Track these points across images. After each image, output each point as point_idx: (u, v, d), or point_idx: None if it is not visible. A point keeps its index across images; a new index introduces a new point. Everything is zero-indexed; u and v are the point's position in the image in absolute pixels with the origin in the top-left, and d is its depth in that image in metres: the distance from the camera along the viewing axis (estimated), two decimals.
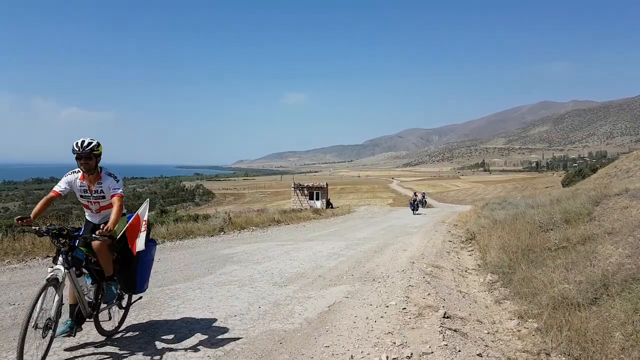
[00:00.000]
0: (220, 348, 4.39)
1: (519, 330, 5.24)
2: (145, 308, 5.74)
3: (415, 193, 33.55)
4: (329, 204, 50.48)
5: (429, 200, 79.02)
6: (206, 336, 4.72)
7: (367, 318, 5.40)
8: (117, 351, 4.29)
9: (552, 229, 9.55)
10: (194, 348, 4.37)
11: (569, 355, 4.35)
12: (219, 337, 4.71)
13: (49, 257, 9.33)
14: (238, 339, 4.66)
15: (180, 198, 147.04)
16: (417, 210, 31.18)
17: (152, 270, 5.23)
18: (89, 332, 4.63)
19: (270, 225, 19.54)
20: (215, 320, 5.30)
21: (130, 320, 5.19)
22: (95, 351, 4.30)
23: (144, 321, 5.21)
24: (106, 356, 4.19)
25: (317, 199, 52.89)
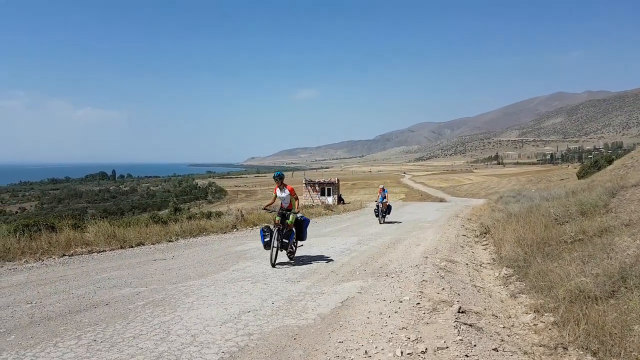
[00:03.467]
0: (235, 344, 4.41)
1: (535, 325, 5.18)
2: (160, 305, 5.79)
3: (382, 189, 20.28)
4: (340, 200, 50.43)
5: (442, 194, 78.31)
6: (220, 332, 4.74)
7: (380, 313, 5.38)
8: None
9: (567, 222, 9.42)
10: (209, 344, 4.40)
11: (586, 349, 4.28)
12: (233, 332, 4.73)
13: (65, 255, 9.47)
14: (252, 334, 4.68)
15: (193, 196, 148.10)
16: (384, 218, 19.21)
17: (167, 268, 8.15)
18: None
19: None
20: (229, 316, 5.32)
21: (145, 317, 5.25)
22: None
23: (159, 317, 5.25)
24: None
25: (329, 194, 52.86)
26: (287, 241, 8.75)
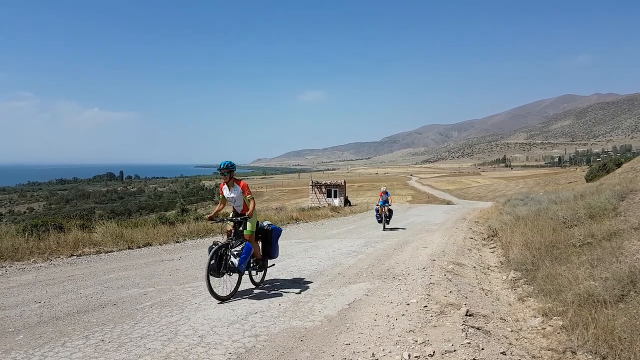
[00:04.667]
0: (242, 345, 4.41)
1: (543, 328, 5.14)
2: (168, 305, 5.81)
3: (384, 192, 18.30)
4: (347, 202, 50.42)
5: (449, 196, 77.95)
6: (227, 333, 4.75)
7: (387, 316, 5.37)
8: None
9: (576, 225, 9.36)
10: (216, 345, 4.41)
11: (595, 353, 4.25)
12: (240, 333, 4.74)
13: (73, 255, 9.53)
14: (259, 336, 4.69)
15: (200, 197, 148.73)
16: (387, 223, 17.64)
17: (174, 268, 7.75)
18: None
19: (288, 223, 19.61)
20: (236, 317, 5.33)
21: (152, 317, 5.27)
22: None
23: (167, 318, 5.27)
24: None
25: (335, 196, 52.90)
26: (235, 262, 6.10)
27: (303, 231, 16.72)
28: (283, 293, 6.55)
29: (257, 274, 7.03)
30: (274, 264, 7.79)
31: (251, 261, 6.55)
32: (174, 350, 4.25)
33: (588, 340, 4.44)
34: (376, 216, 18.45)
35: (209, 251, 6.11)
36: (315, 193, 54.35)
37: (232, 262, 6.13)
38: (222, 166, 6.54)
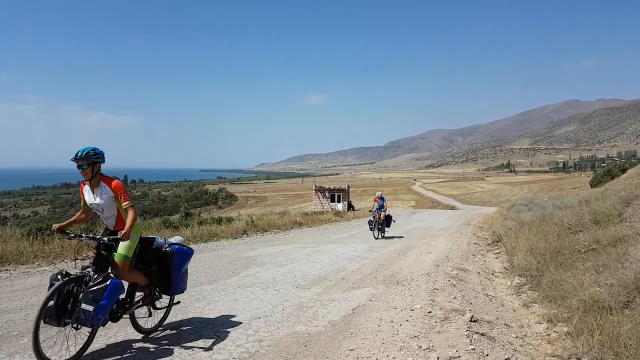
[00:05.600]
0: (245, 350, 4.41)
1: (548, 335, 5.11)
2: (172, 309, 5.81)
3: (379, 197, 16.91)
4: (350, 206, 50.37)
5: (453, 202, 77.71)
6: (231, 338, 4.75)
7: (391, 321, 5.35)
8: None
9: (581, 231, 9.32)
10: (219, 349, 4.40)
11: None
12: (244, 338, 4.73)
13: (77, 259, 9.55)
14: (263, 340, 4.68)
15: (203, 201, 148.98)
16: (382, 232, 16.16)
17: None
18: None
19: (292, 227, 19.61)
20: (239, 322, 5.33)
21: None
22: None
23: (170, 322, 5.27)
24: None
25: (339, 201, 52.86)
26: (88, 310, 3.89)
27: (306, 236, 16.71)
28: (288, 294, 6.54)
29: (149, 314, 4.85)
30: (179, 301, 5.52)
31: (127, 300, 4.55)
32: (177, 355, 4.25)
33: (593, 347, 4.41)
34: (369, 222, 16.30)
35: (49, 286, 3.94)
36: (319, 198, 54.35)
37: (83, 309, 3.92)
38: (78, 154, 4.26)
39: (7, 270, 8.31)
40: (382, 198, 16.77)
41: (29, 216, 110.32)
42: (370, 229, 16.09)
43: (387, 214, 16.38)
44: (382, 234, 16.06)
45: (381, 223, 15.97)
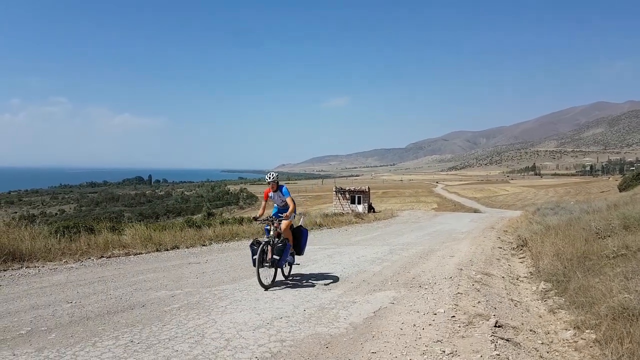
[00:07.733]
0: (268, 349, 4.42)
1: (575, 342, 4.98)
2: (195, 308, 5.88)
3: (273, 181, 7.78)
4: (370, 208, 50.15)
5: (477, 205, 76.53)
6: (254, 337, 4.77)
7: (414, 325, 5.30)
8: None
9: (609, 236, 9.07)
10: (242, 348, 4.43)
11: None
12: (266, 338, 4.75)
13: (103, 257, 9.75)
14: (284, 341, 4.69)
15: (225, 201, 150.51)
16: (277, 268, 7.48)
17: (201, 271, 8.40)
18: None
19: (312, 228, 19.62)
20: (262, 321, 5.35)
21: (180, 319, 5.34)
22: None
23: (194, 320, 5.33)
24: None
25: (359, 202, 52.65)
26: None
27: (327, 237, 16.70)
28: (309, 295, 6.55)
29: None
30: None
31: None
32: (201, 353, 4.29)
33: (622, 355, 4.28)
34: (251, 245, 7.42)
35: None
36: (339, 199, 54.24)
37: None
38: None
39: (35, 267, 8.52)
40: (280, 187, 7.99)
41: (56, 214, 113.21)
42: (254, 260, 7.23)
43: (299, 222, 8.51)
44: (276, 276, 7.63)
45: (278, 244, 7.38)
